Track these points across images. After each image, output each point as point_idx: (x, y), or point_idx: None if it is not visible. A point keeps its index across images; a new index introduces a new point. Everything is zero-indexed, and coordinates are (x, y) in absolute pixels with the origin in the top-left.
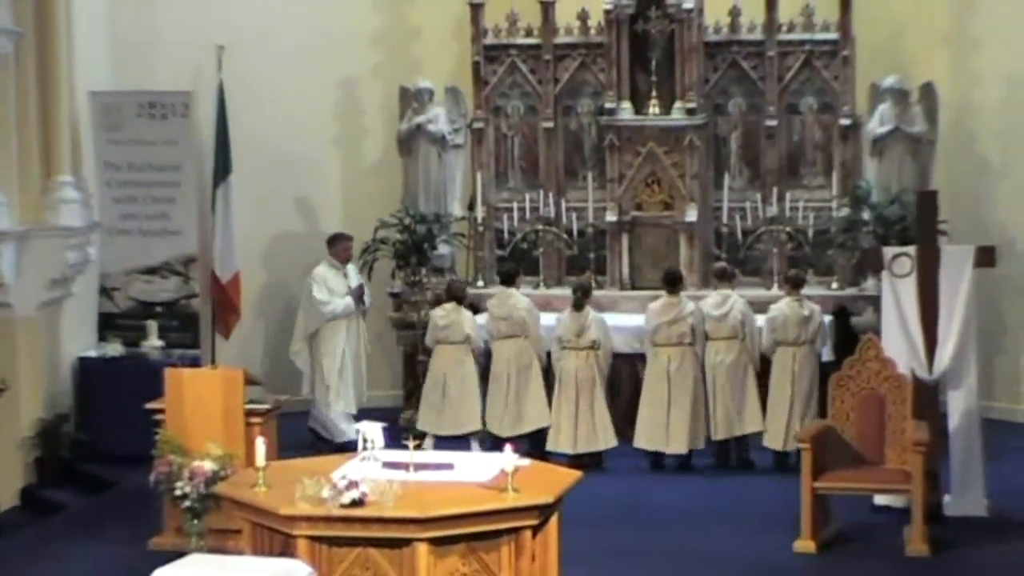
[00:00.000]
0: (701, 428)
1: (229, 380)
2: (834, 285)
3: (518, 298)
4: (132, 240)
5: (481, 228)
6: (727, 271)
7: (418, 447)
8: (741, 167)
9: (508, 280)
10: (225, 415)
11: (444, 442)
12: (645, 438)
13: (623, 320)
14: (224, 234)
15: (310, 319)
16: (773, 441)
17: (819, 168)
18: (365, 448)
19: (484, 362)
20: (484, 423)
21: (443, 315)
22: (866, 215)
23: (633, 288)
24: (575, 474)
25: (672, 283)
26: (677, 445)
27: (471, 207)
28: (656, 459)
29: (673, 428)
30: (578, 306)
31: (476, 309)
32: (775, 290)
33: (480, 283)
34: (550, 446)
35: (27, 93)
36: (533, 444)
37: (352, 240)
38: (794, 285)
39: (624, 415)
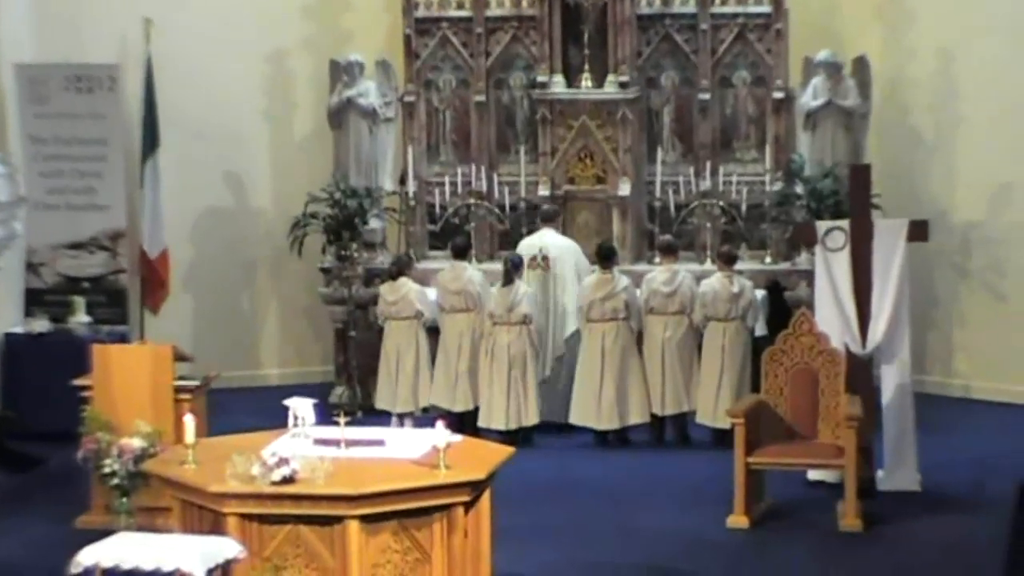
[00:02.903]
0: (638, 403)
1: (158, 356)
2: (767, 259)
3: (472, 272)
4: (59, 215)
5: (412, 202)
6: (672, 245)
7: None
8: (674, 141)
9: (461, 254)
10: (154, 392)
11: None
12: (579, 414)
13: None
14: (152, 209)
15: None
16: (703, 415)
17: (752, 142)
18: (296, 424)
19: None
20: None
21: (391, 290)
22: (799, 189)
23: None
24: (507, 450)
25: (606, 258)
26: (610, 421)
27: (402, 181)
28: (600, 435)
29: (606, 404)
30: (508, 280)
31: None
32: (708, 264)
33: (411, 256)
34: (482, 422)
35: None
36: (464, 421)
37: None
38: (726, 261)
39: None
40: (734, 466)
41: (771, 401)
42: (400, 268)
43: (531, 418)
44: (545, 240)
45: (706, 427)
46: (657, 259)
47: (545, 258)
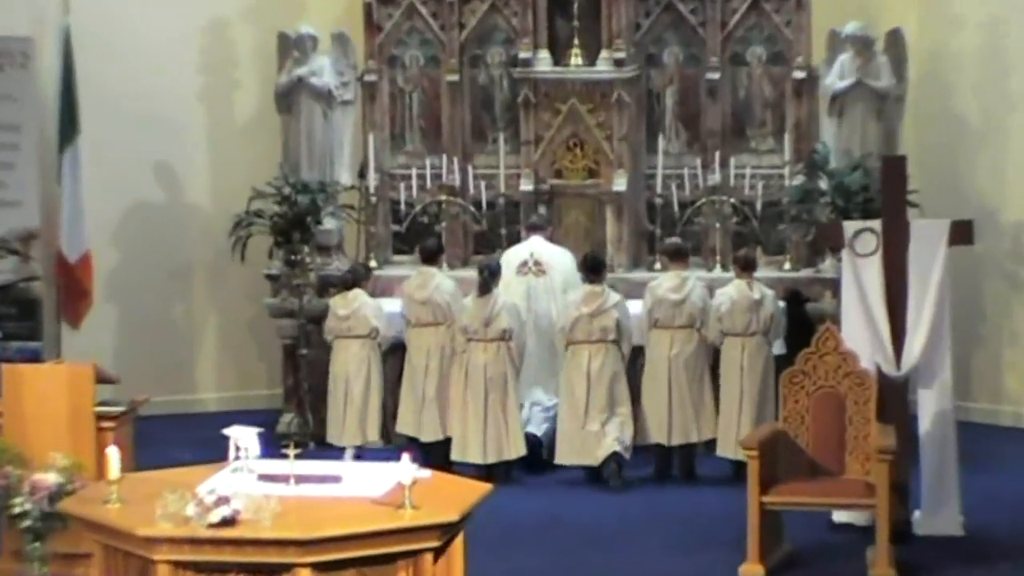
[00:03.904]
0: (629, 433)
1: (77, 377)
2: (786, 266)
3: (442, 279)
4: None
5: (374, 199)
6: (681, 249)
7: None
8: (678, 128)
9: (431, 258)
10: (72, 419)
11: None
12: (565, 452)
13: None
14: (71, 206)
15: None
16: (724, 447)
17: (769, 129)
18: (237, 457)
19: (393, 357)
20: (385, 431)
21: (343, 303)
22: (823, 184)
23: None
24: (483, 487)
25: (593, 270)
26: (593, 458)
27: (362, 174)
28: (593, 471)
29: (591, 439)
30: (484, 290)
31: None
32: (718, 271)
33: (372, 263)
34: (455, 455)
35: None
36: (435, 453)
37: None
38: (743, 267)
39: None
40: (748, 505)
41: (791, 430)
42: (355, 278)
43: (513, 450)
44: (535, 247)
45: (728, 460)
46: (658, 265)
47: (538, 263)
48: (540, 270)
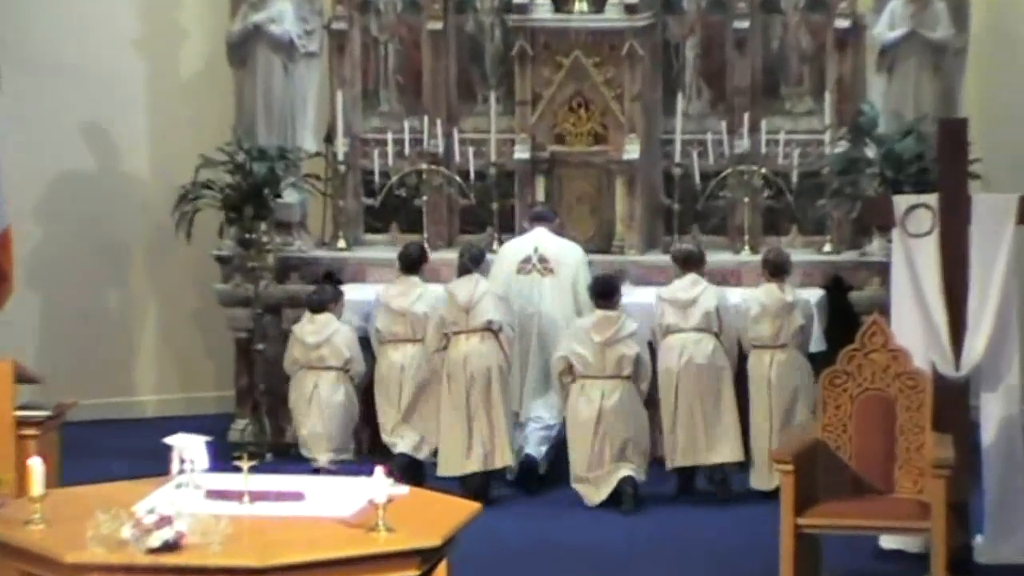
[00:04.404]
0: (644, 458)
1: None
2: (826, 248)
3: (427, 290)
4: None
5: (342, 168)
6: (693, 255)
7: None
8: (700, 86)
9: (412, 267)
10: None
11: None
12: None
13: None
14: None
15: None
16: (759, 479)
17: (806, 88)
18: (182, 471)
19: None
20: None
21: (314, 330)
22: (870, 152)
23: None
24: (470, 507)
25: (603, 295)
26: (601, 494)
27: (328, 139)
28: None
29: (602, 478)
30: (464, 273)
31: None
32: (745, 254)
33: (341, 244)
34: (440, 470)
35: None
36: (409, 468)
37: None
38: (774, 272)
39: None
40: (780, 529)
41: (831, 440)
42: (321, 300)
43: (499, 458)
44: (540, 242)
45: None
46: (676, 273)
47: (544, 260)
48: (547, 268)
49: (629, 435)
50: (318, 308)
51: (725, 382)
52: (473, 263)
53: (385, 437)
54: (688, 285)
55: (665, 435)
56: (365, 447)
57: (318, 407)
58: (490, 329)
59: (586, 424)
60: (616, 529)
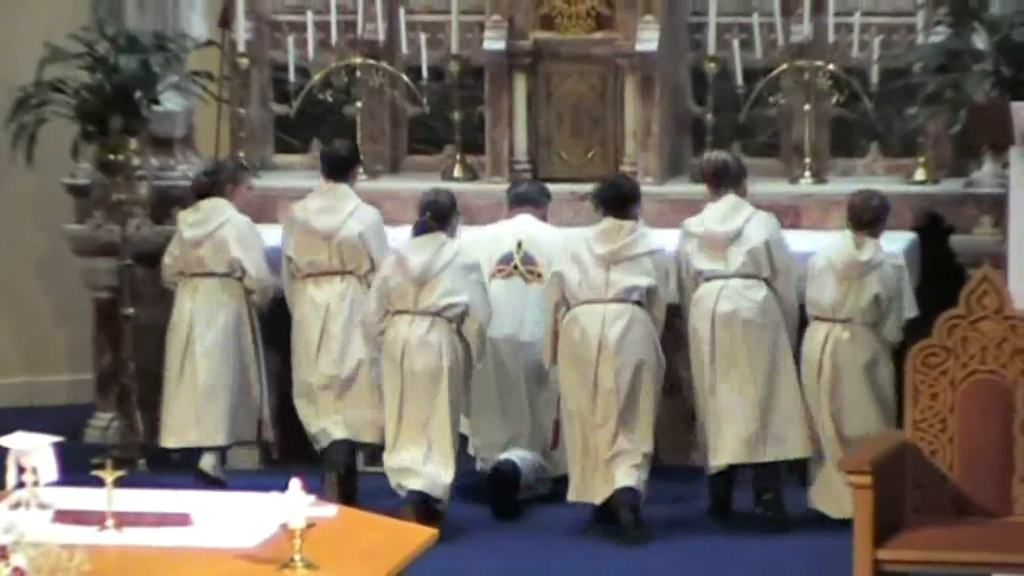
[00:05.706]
0: (648, 441)
1: None
2: (918, 175)
3: (358, 204)
4: None
5: (245, 63)
6: (732, 168)
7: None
8: None
9: (338, 171)
10: None
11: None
12: (577, 488)
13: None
14: None
15: None
16: (824, 499)
17: None
18: (21, 484)
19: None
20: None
21: (195, 220)
22: (980, 41)
23: (536, 178)
24: (423, 534)
25: (616, 204)
26: (600, 493)
27: (225, 23)
28: (601, 511)
29: (600, 472)
30: (422, 231)
31: None
32: (806, 183)
33: (243, 163)
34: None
35: None
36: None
37: None
38: (861, 223)
39: None
40: (852, 563)
41: (925, 444)
42: (214, 180)
43: (432, 484)
44: (525, 233)
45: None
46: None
47: (529, 260)
48: (532, 272)
49: (637, 383)
50: (204, 191)
51: (782, 347)
52: (440, 222)
53: (309, 423)
54: (726, 212)
55: (697, 426)
56: (276, 445)
57: (192, 358)
58: (442, 315)
59: (583, 366)
60: (614, 563)
